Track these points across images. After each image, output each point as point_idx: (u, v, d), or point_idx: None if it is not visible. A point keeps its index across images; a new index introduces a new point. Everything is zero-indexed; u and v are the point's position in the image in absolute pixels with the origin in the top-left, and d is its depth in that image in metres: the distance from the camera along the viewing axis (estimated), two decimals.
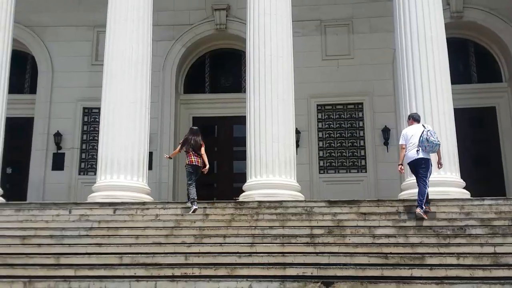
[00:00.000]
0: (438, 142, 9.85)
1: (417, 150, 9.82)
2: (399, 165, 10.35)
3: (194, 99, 18.41)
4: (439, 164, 10.31)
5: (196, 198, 10.63)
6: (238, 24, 17.62)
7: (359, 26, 17.45)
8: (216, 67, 18.87)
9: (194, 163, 10.80)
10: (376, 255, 8.29)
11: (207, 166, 11.03)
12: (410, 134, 10.10)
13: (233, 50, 18.73)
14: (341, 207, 10.48)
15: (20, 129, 17.56)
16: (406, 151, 10.07)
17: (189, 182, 10.77)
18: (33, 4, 18.02)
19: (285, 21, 12.96)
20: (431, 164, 9.98)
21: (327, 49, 17.51)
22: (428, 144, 9.76)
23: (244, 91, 14.50)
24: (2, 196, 12.63)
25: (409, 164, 10.15)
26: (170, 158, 12.58)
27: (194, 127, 11.46)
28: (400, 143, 10.36)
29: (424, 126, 10.14)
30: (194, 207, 10.43)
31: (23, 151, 17.46)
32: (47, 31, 18.18)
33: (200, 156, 10.82)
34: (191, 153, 10.83)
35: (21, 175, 17.44)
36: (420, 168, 9.87)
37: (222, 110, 18.02)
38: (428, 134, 9.80)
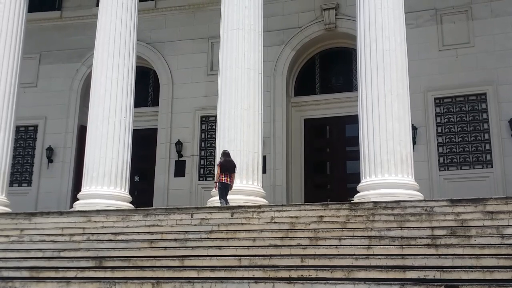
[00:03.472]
0: None
1: None
2: None
3: (305, 101, 18.42)
4: None
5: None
6: (348, 21, 17.37)
7: (478, 11, 16.33)
8: (326, 67, 18.73)
9: (224, 181, 12.12)
10: (505, 256, 7.64)
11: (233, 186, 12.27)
12: None
13: (343, 48, 18.48)
14: (465, 206, 9.82)
15: (145, 139, 18.83)
16: None
17: (220, 197, 12.06)
18: (153, 23, 19.34)
19: (397, 13, 12.53)
20: None
21: (444, 38, 16.58)
22: None
23: (356, 90, 14.23)
24: (131, 202, 13.62)
25: None
26: (216, 183, 12.47)
27: (226, 151, 12.52)
28: None
29: None
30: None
31: (149, 160, 18.71)
32: (166, 46, 19.32)
33: (231, 176, 12.21)
34: (224, 173, 12.15)
35: (147, 182, 18.74)
36: None
37: (333, 110, 17.83)
38: None
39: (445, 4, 16.69)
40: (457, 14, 16.53)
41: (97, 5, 15.93)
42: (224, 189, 12.06)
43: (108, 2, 14.63)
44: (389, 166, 11.36)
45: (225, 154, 12.28)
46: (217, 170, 12.24)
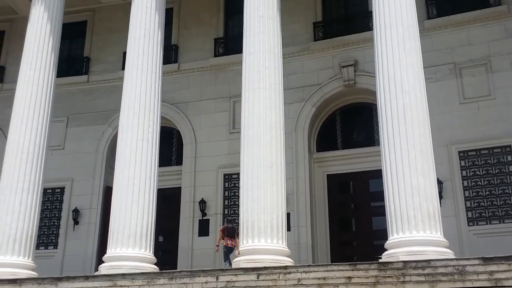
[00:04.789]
0: None
1: None
2: None
3: (327, 156, 18.42)
4: None
5: None
6: (367, 77, 17.60)
7: (498, 64, 16.41)
8: (346, 122, 18.84)
9: (229, 245, 13.47)
10: None
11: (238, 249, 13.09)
12: None
13: (363, 104, 18.61)
14: (497, 264, 9.50)
15: (169, 198, 18.92)
16: None
17: (225, 260, 13.41)
18: (176, 84, 19.91)
19: (416, 69, 12.63)
20: None
21: (465, 91, 16.61)
22: None
23: (378, 144, 14.23)
24: (156, 263, 13.54)
25: None
26: (218, 246, 14.03)
27: (229, 217, 14.33)
28: None
29: None
30: None
31: (172, 219, 18.71)
32: (189, 107, 19.74)
33: (234, 240, 13.46)
34: (227, 237, 13.51)
35: (171, 242, 18.66)
36: None
37: (356, 165, 17.77)
38: None
39: (464, 58, 16.84)
40: (477, 67, 16.61)
41: (123, 69, 16.49)
42: (228, 252, 13.40)
43: (134, 66, 15.12)
44: (417, 222, 11.15)
45: (228, 221, 13.97)
46: (219, 234, 13.76)
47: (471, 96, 16.46)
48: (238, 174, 13.73)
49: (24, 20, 18.39)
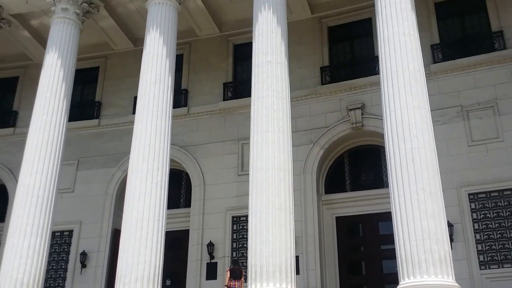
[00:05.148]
0: None
1: None
2: None
3: (336, 198, 18.34)
4: None
5: None
6: (374, 120, 17.73)
7: (505, 106, 16.49)
8: (355, 164, 18.85)
9: (233, 286, 13.96)
10: None
11: None
12: None
13: (370, 146, 18.68)
14: None
15: (177, 241, 18.79)
16: None
17: None
18: (185, 127, 20.14)
19: (423, 112, 12.73)
20: None
21: (472, 134, 16.65)
22: None
23: (387, 186, 14.18)
24: None
25: None
26: (226, 286, 14.24)
27: (235, 259, 15.27)
28: None
29: None
30: None
31: (180, 262, 18.53)
32: (198, 149, 19.89)
33: (240, 281, 14.06)
34: (233, 278, 14.03)
35: (178, 285, 18.41)
36: None
37: (365, 207, 17.68)
38: None
39: (471, 101, 16.94)
40: (484, 110, 16.69)
41: (134, 113, 16.79)
42: None
43: (144, 110, 15.37)
44: (428, 266, 10.99)
45: (234, 262, 14.59)
46: (227, 274, 14.12)
47: (479, 139, 16.48)
48: (247, 216, 13.70)
49: (38, 66, 18.94)
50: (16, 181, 15.99)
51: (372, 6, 15.77)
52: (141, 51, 16.75)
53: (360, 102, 18.25)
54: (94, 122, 21.39)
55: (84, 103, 22.09)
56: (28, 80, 22.59)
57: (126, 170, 16.36)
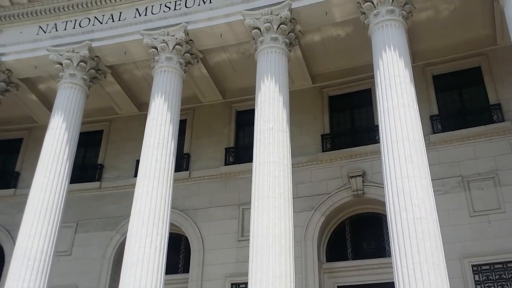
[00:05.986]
0: None
1: None
2: None
3: (337, 267, 18.02)
4: None
5: None
6: (375, 188, 17.74)
7: (506, 178, 16.53)
8: (356, 232, 18.68)
9: None
10: None
11: None
12: None
13: (372, 214, 18.57)
14: None
15: None
16: None
17: None
18: (186, 191, 20.14)
19: (424, 182, 12.81)
20: None
21: (474, 204, 16.58)
22: None
23: (389, 255, 14.05)
24: None
25: None
26: None
27: None
28: None
29: None
30: None
31: None
32: (199, 213, 19.77)
33: None
34: None
35: None
36: None
37: (367, 277, 17.34)
38: None
39: (471, 172, 17.02)
40: (485, 181, 16.72)
41: (135, 176, 16.86)
42: None
43: (146, 173, 15.46)
44: None
45: None
46: None
47: (481, 209, 16.41)
48: (246, 283, 13.48)
49: (43, 129, 19.23)
50: (14, 242, 15.87)
51: (371, 77, 16.23)
52: (145, 115, 17.09)
53: (361, 169, 18.34)
54: (95, 184, 21.40)
55: (86, 165, 22.21)
56: (32, 142, 22.83)
57: (124, 234, 16.22)
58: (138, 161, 16.32)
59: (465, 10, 17.81)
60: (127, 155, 21.65)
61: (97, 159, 22.26)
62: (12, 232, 20.23)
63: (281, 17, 16.91)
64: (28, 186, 17.13)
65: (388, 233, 13.01)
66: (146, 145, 16.06)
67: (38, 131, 22.44)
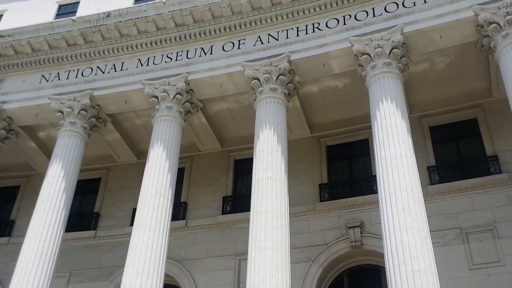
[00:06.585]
0: None
1: None
2: None
3: None
4: None
5: None
6: (374, 239, 17.56)
7: (504, 230, 16.43)
8: (355, 284, 18.36)
9: None
10: None
11: None
12: None
13: (371, 266, 18.31)
14: None
15: None
16: None
17: None
18: (182, 240, 19.89)
19: (423, 234, 12.76)
20: None
21: (473, 257, 16.39)
22: None
23: None
24: None
25: None
26: None
27: None
28: None
29: None
30: None
31: None
32: (194, 264, 19.44)
33: None
34: None
35: None
36: None
37: None
38: None
39: (469, 223, 16.90)
40: (483, 233, 16.58)
41: (131, 224, 16.70)
42: None
43: (142, 223, 15.33)
44: None
45: None
46: None
47: (480, 262, 16.20)
48: None
49: (40, 176, 19.19)
50: None
51: (369, 128, 16.39)
52: (144, 163, 17.12)
53: (359, 220, 18.20)
54: (90, 233, 21.14)
55: (82, 213, 22.00)
56: (29, 189, 22.71)
57: (118, 284, 15.91)
58: (134, 210, 16.22)
59: (460, 63, 18.19)
60: (124, 203, 21.51)
61: (94, 207, 22.09)
62: (4, 282, 19.79)
63: (280, 68, 17.25)
64: (23, 234, 16.93)
65: (387, 286, 12.79)
66: (143, 193, 16.00)
67: (35, 178, 22.36)
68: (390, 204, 13.15)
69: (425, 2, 16.66)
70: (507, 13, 15.24)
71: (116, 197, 21.92)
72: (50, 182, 17.07)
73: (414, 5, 16.76)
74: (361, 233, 18.00)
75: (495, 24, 15.33)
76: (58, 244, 16.16)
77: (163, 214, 15.62)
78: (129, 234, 16.00)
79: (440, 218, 17.06)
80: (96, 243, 20.90)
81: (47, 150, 21.74)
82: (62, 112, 18.92)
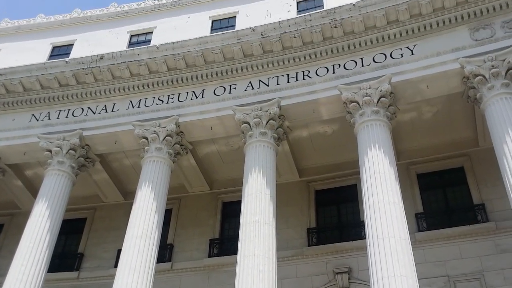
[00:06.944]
0: None
1: None
2: None
3: None
4: None
5: None
6: (362, 286, 17.42)
7: (491, 279, 16.36)
8: None
9: None
10: None
11: None
12: None
13: None
14: None
15: None
16: None
17: None
18: (167, 283, 19.45)
19: (411, 281, 12.70)
20: None
21: None
22: None
23: None
24: None
25: None
26: None
27: None
28: None
29: None
30: None
31: None
32: None
33: None
34: None
35: None
36: None
37: None
38: None
39: (457, 272, 16.82)
40: (471, 281, 16.49)
41: (116, 266, 16.39)
42: None
43: (127, 265, 15.09)
44: None
45: None
46: None
47: None
48: None
49: (25, 215, 18.94)
50: None
51: (357, 173, 16.50)
52: (131, 204, 16.99)
53: (347, 266, 18.05)
54: (73, 274, 20.69)
55: (65, 253, 21.59)
56: (13, 228, 22.31)
57: None
58: (119, 251, 15.96)
59: (447, 112, 18.55)
60: (109, 244, 21.17)
61: (78, 247, 21.71)
62: None
63: (270, 113, 17.48)
64: (4, 274, 16.53)
65: None
66: (129, 235, 15.82)
67: (20, 217, 22.01)
68: (378, 250, 13.12)
69: (412, 53, 17.14)
70: (492, 66, 15.69)
71: (101, 238, 21.59)
72: (35, 221, 16.84)
73: (402, 56, 17.24)
74: (349, 279, 17.84)
75: (481, 77, 15.75)
76: (40, 285, 15.80)
77: (149, 257, 15.40)
78: (113, 276, 15.71)
79: (428, 265, 16.97)
80: (79, 285, 20.42)
81: (33, 189, 21.51)
82: (50, 151, 18.88)
